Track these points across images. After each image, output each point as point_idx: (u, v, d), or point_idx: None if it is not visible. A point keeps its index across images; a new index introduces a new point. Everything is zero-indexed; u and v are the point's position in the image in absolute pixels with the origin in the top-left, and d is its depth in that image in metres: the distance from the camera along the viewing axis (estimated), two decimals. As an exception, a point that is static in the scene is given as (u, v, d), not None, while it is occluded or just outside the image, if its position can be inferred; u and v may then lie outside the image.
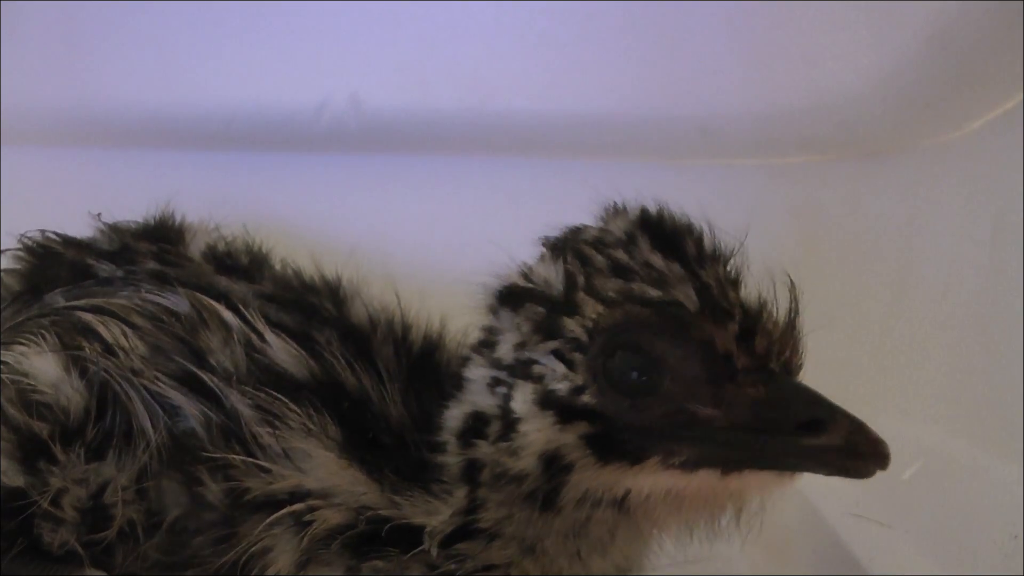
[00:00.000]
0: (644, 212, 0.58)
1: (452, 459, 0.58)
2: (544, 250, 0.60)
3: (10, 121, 1.05)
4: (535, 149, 1.06)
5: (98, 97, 1.05)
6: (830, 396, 1.04)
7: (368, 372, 0.63)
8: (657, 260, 0.54)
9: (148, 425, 0.56)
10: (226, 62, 1.02)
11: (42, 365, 0.58)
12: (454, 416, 0.59)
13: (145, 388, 0.58)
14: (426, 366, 0.67)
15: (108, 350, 0.59)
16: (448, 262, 1.05)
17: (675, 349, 0.52)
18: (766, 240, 0.72)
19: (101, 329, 0.61)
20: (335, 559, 0.56)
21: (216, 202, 0.87)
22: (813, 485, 0.97)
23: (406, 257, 1.05)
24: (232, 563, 0.54)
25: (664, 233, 0.56)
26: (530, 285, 0.58)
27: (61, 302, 0.68)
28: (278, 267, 0.81)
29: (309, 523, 0.55)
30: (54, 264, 0.76)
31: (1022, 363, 0.78)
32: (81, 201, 0.81)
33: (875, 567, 0.76)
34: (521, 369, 0.56)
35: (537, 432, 0.53)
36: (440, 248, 1.06)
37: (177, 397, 0.57)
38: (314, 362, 0.61)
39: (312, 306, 0.70)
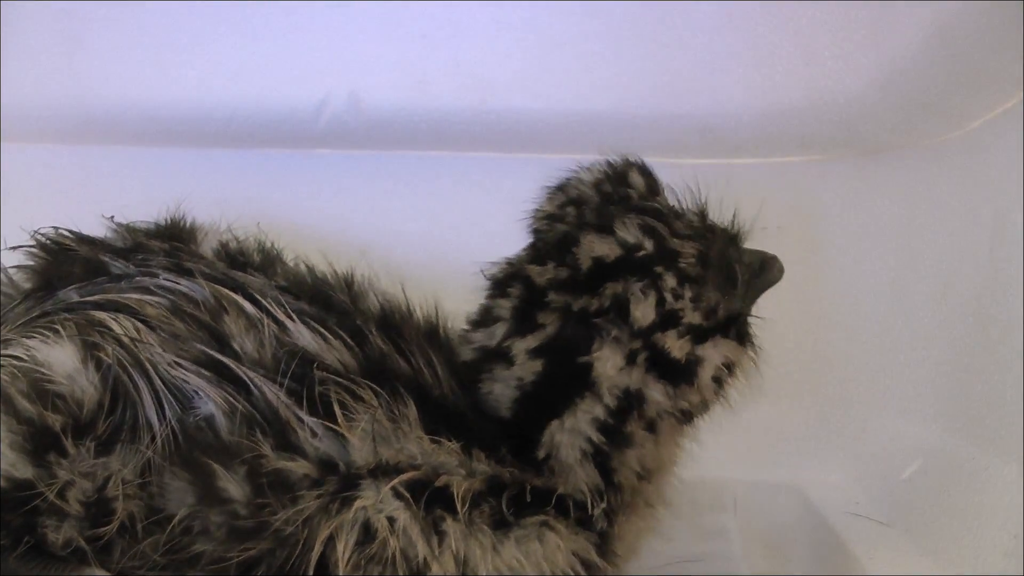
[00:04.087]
0: (640, 165, 0.72)
1: (573, 453, 0.65)
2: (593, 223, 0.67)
3: (10, 119, 1.05)
4: (535, 147, 1.06)
5: (97, 95, 1.04)
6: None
7: (404, 353, 0.65)
8: (668, 200, 0.71)
9: (155, 418, 0.56)
10: (226, 60, 1.02)
11: (59, 356, 0.58)
12: (592, 413, 0.64)
13: (159, 378, 0.57)
14: (433, 345, 0.68)
15: (122, 344, 0.59)
16: (447, 258, 1.05)
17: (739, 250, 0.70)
18: (766, 240, 0.72)
19: (114, 325, 0.61)
20: (480, 523, 0.59)
21: (217, 199, 0.87)
22: (813, 485, 0.98)
23: (405, 253, 1.05)
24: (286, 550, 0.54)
25: (655, 180, 0.72)
26: (645, 251, 0.64)
27: (75, 298, 0.68)
28: (290, 265, 0.81)
29: (432, 492, 0.58)
30: (68, 261, 0.75)
31: (1022, 363, 0.78)
32: (81, 198, 0.81)
33: (875, 567, 0.76)
34: (662, 323, 0.63)
35: (718, 355, 0.66)
36: (439, 244, 1.06)
37: (197, 382, 0.57)
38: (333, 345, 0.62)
39: (327, 297, 0.70)
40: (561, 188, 0.71)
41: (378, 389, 0.60)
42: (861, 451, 1.00)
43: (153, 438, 0.55)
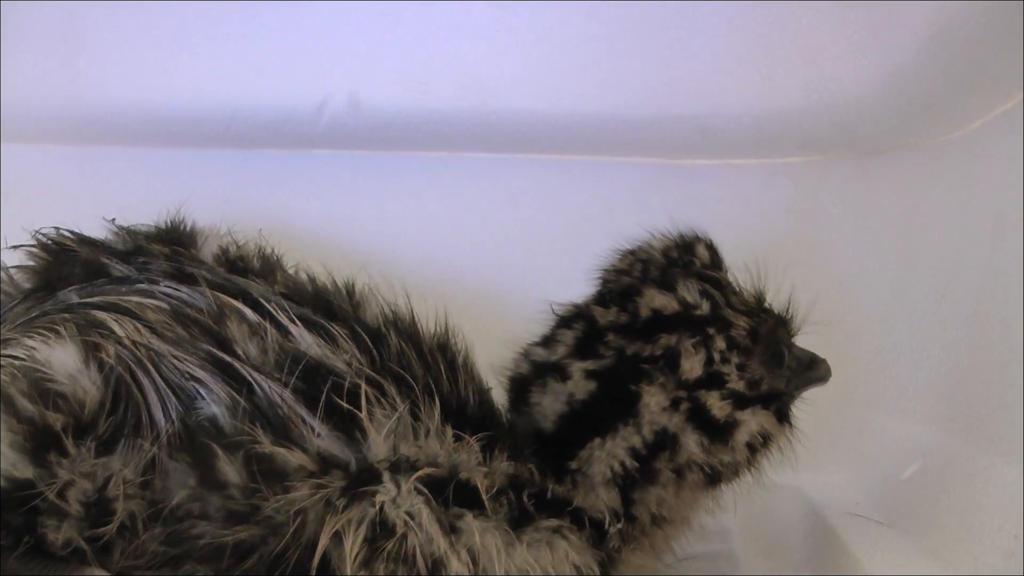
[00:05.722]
0: (708, 241, 0.75)
1: (603, 472, 0.67)
2: (654, 276, 0.72)
3: (10, 119, 1.05)
4: (535, 148, 1.06)
5: (97, 95, 1.04)
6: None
7: (423, 356, 0.66)
8: (729, 277, 0.74)
9: (160, 416, 0.56)
10: (226, 61, 1.02)
11: (60, 356, 0.58)
12: (630, 441, 0.67)
13: (161, 378, 0.58)
14: (443, 359, 0.69)
15: (123, 344, 0.59)
16: (448, 259, 1.05)
17: (789, 337, 0.74)
18: (766, 240, 0.73)
19: (115, 326, 0.61)
20: (497, 518, 0.60)
21: (217, 200, 0.87)
22: (813, 485, 0.98)
23: (405, 254, 1.05)
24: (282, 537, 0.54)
25: (719, 257, 0.75)
26: (701, 312, 0.68)
27: (75, 299, 0.68)
28: (291, 271, 0.81)
29: (453, 488, 0.59)
30: (68, 262, 0.76)
31: (1022, 363, 0.78)
32: (80, 199, 0.81)
33: (875, 567, 0.76)
34: (708, 382, 0.67)
35: (756, 424, 0.69)
36: (440, 245, 1.06)
37: (201, 375, 0.58)
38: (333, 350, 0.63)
39: (328, 303, 0.70)
40: (632, 252, 0.76)
41: (409, 382, 0.61)
42: (861, 451, 1.00)
43: (157, 437, 0.56)
